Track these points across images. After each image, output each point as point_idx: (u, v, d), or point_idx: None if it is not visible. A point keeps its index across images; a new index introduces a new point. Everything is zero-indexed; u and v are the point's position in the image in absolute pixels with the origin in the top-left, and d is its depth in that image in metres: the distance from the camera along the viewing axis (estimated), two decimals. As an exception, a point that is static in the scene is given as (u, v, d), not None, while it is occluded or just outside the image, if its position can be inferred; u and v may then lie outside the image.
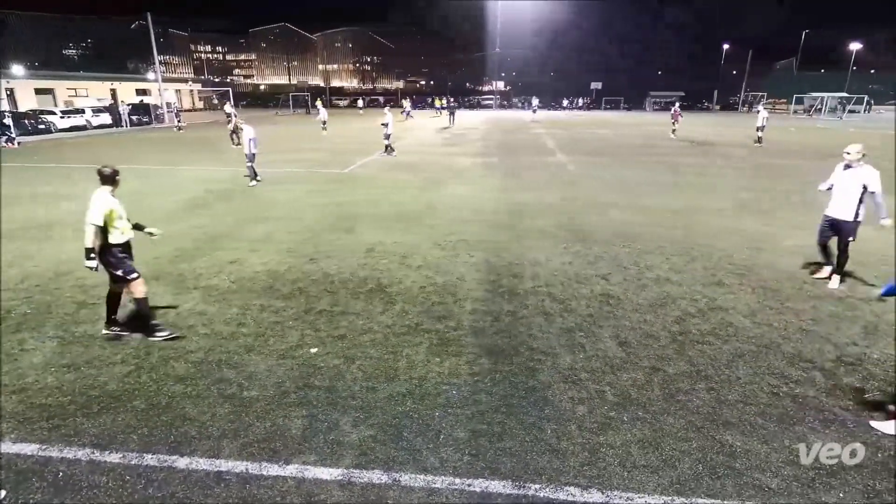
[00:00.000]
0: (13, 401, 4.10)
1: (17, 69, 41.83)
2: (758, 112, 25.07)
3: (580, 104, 77.37)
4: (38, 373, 4.51)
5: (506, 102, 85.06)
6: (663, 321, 5.53)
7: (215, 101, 66.78)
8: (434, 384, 4.36)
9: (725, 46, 78.04)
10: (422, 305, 5.95)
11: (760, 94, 74.61)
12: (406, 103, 47.16)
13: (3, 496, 3.19)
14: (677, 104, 31.99)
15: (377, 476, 3.33)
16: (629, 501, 3.13)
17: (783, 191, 12.84)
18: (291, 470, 3.38)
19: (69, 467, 3.41)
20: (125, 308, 5.41)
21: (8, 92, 35.08)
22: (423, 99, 73.88)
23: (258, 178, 13.83)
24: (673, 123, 28.41)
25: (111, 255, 4.87)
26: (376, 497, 3.16)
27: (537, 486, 3.24)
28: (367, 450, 3.57)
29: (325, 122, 30.54)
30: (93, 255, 4.79)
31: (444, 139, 27.50)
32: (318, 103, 52.56)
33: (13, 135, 24.63)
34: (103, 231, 4.77)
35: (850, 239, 6.23)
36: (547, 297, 6.18)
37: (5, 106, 31.09)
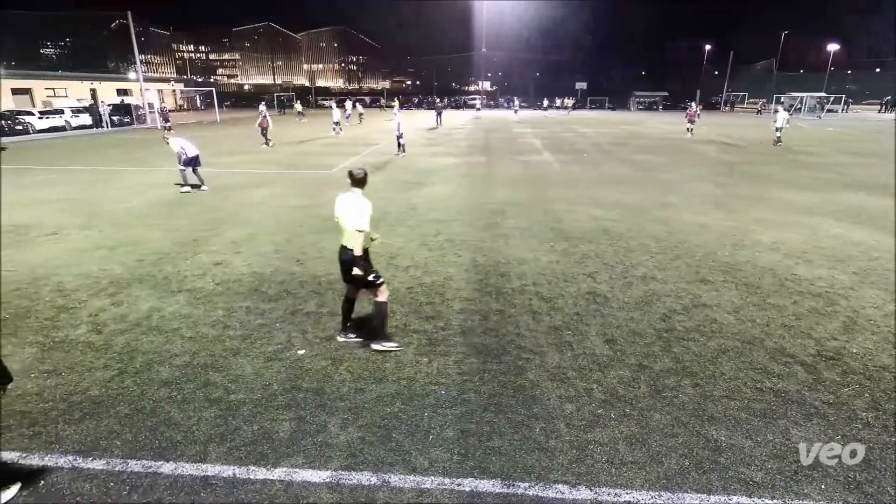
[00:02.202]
0: (-9, 408, 4.00)
1: (-8, 68, 40.97)
2: (776, 112, 25.12)
3: (565, 104, 76.64)
4: (18, 379, 4.39)
5: (492, 102, 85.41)
6: (649, 319, 5.59)
7: (198, 103, 65.73)
8: (423, 384, 4.36)
9: (707, 47, 79.28)
10: (410, 306, 5.94)
11: (742, 93, 75.94)
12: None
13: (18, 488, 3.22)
14: (693, 104, 31.71)
15: (366, 478, 3.32)
16: (617, 498, 3.16)
17: (763, 192, 13.07)
18: (279, 473, 3.35)
19: (51, 475, 3.34)
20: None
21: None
22: (409, 99, 73.77)
23: (203, 186, 12.79)
24: (689, 123, 27.78)
25: (365, 260, 4.71)
26: (365, 498, 3.15)
27: (526, 485, 3.26)
28: (355, 451, 3.55)
29: (337, 123, 28.82)
30: (364, 261, 4.62)
31: (429, 139, 27.48)
32: (297, 105, 51.71)
33: None
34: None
35: None
36: (534, 295, 6.21)
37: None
